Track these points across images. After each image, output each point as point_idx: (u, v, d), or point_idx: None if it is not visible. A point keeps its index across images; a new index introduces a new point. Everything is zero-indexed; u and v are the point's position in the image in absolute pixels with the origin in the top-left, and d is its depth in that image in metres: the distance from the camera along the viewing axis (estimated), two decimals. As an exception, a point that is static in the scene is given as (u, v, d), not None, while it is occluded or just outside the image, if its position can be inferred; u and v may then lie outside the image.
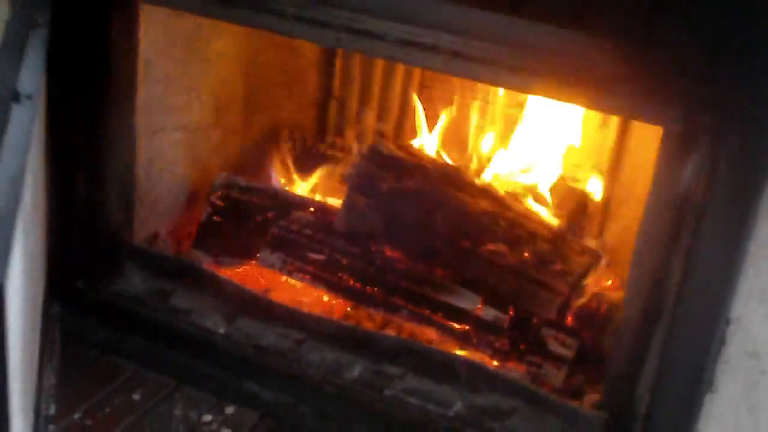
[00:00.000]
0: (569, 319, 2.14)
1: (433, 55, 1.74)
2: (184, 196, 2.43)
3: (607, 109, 1.90)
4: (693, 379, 1.70)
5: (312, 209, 2.32)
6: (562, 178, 2.35)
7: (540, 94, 1.77)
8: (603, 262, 2.22)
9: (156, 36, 2.16)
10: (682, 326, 1.70)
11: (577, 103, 1.77)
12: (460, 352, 2.06)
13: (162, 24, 2.16)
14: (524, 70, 1.68)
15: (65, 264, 2.24)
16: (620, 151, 2.36)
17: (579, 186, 2.37)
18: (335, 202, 2.37)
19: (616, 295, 2.19)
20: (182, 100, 2.33)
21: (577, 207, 2.33)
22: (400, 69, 2.55)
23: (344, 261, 2.18)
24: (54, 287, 2.22)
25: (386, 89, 2.58)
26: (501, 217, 2.16)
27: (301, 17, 1.82)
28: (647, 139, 2.26)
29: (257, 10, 1.86)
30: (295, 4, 1.81)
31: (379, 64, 2.57)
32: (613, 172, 2.38)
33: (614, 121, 2.34)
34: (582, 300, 2.16)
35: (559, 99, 1.79)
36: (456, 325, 2.11)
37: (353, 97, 2.62)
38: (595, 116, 2.35)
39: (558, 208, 2.30)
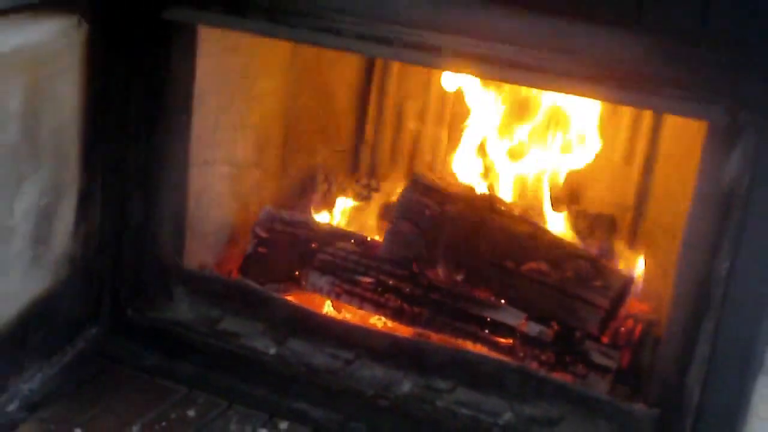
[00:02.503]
0: (609, 337, 2.22)
1: (488, 65, 1.88)
2: (228, 230, 2.51)
3: (655, 108, 2.03)
4: (744, 361, 1.79)
5: (353, 240, 2.41)
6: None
7: (592, 97, 1.91)
8: (636, 286, 2.32)
9: (210, 69, 2.27)
10: (731, 311, 1.81)
11: (627, 104, 1.91)
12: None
13: (215, 58, 2.28)
14: (575, 76, 1.82)
15: (114, 290, 2.31)
16: (645, 187, 2.49)
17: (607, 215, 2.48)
18: (372, 235, 2.46)
19: (651, 317, 2.29)
20: (229, 135, 2.43)
21: (607, 235, 2.44)
22: (430, 112, 2.69)
23: (391, 282, 2.27)
24: (97, 311, 2.29)
25: (418, 133, 2.72)
26: (540, 239, 2.27)
27: (359, 34, 1.95)
28: (672, 174, 2.41)
29: (317, 29, 1.99)
30: (353, 21, 1.94)
31: (411, 110, 2.71)
32: (639, 206, 2.50)
33: (639, 157, 2.48)
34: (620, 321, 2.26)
35: (610, 101, 1.93)
36: (502, 340, 2.18)
37: (385, 142, 2.75)
38: (620, 151, 2.50)
39: (589, 235, 2.41)
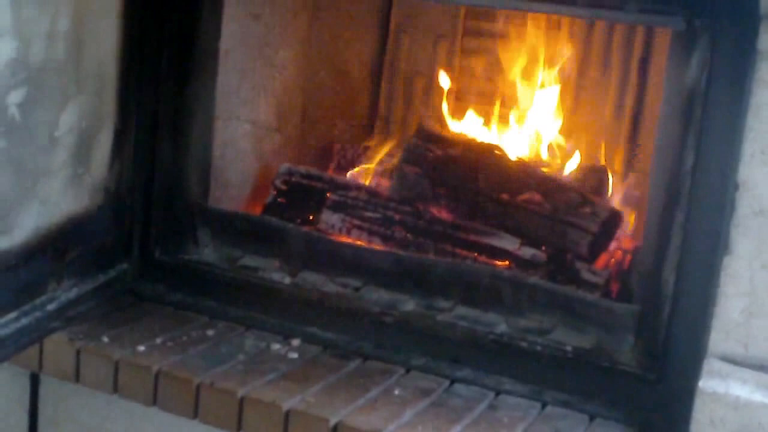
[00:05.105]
0: (599, 265, 2.40)
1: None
2: (250, 185, 2.72)
3: (624, 21, 2.25)
4: (711, 247, 1.95)
5: (364, 189, 2.62)
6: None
7: (568, 15, 2.14)
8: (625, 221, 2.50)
9: (234, 32, 2.52)
10: (698, 201, 1.98)
11: (599, 19, 2.13)
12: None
13: (239, 22, 2.54)
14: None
15: (144, 231, 2.52)
16: (634, 140, 2.70)
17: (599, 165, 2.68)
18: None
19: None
20: (252, 96, 2.68)
21: (599, 183, 2.63)
22: (437, 86, 2.93)
23: (396, 217, 2.47)
24: (128, 248, 2.49)
25: (425, 107, 2.95)
26: (533, 175, 2.47)
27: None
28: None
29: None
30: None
31: (419, 84, 2.95)
32: (629, 158, 2.70)
33: (627, 113, 2.69)
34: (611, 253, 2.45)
35: (584, 18, 2.16)
36: (499, 263, 2.37)
37: (396, 117, 2.98)
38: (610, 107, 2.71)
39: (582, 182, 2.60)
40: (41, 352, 2.22)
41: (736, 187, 1.90)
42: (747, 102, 1.86)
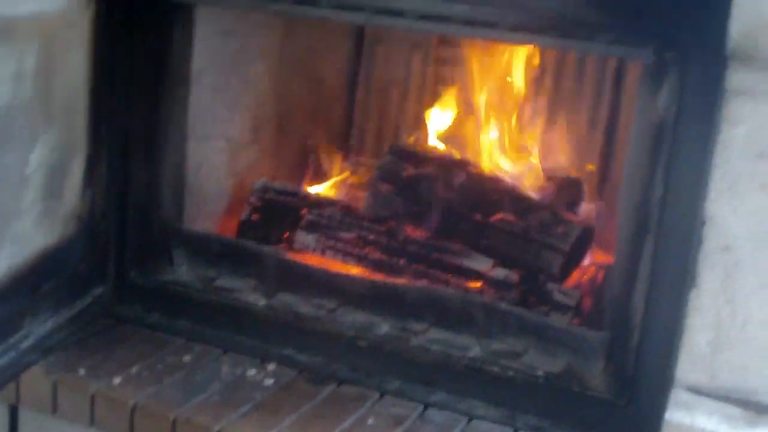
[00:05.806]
0: (572, 282, 2.41)
1: (446, 24, 2.11)
2: (225, 202, 2.73)
3: (594, 52, 2.25)
4: (679, 278, 1.96)
5: (338, 206, 2.63)
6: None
7: (540, 46, 2.13)
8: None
9: (206, 49, 2.50)
10: (666, 233, 1.99)
11: (569, 50, 2.12)
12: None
13: (212, 41, 2.52)
14: (523, 29, 2.04)
15: (119, 253, 2.52)
16: (608, 153, 2.70)
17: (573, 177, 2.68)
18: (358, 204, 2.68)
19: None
20: (225, 113, 2.67)
21: (573, 195, 2.64)
22: (412, 96, 2.92)
23: (371, 237, 2.48)
24: (103, 271, 2.49)
25: (400, 116, 2.95)
26: (506, 194, 2.47)
27: (335, 4, 2.18)
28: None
29: (295, 2, 2.23)
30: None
31: (395, 94, 2.94)
32: (603, 170, 2.71)
33: (602, 123, 2.69)
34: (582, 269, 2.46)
35: (556, 49, 2.15)
36: (471, 285, 2.38)
37: (372, 126, 2.98)
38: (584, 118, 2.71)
39: (556, 196, 2.61)
40: (18, 384, 2.23)
41: (702, 222, 1.91)
42: (715, 138, 1.87)
